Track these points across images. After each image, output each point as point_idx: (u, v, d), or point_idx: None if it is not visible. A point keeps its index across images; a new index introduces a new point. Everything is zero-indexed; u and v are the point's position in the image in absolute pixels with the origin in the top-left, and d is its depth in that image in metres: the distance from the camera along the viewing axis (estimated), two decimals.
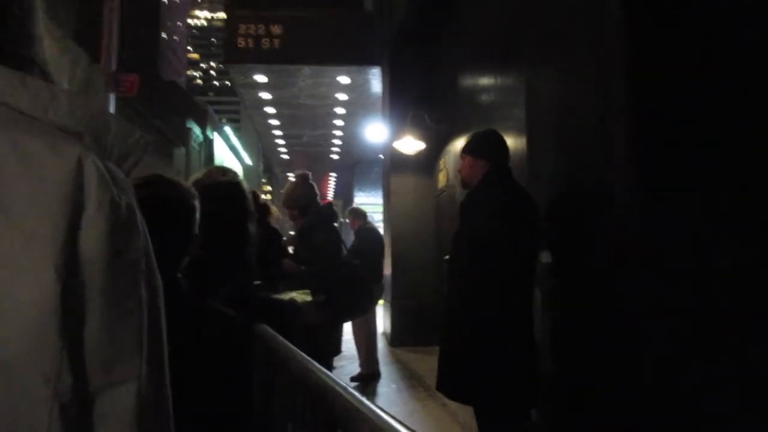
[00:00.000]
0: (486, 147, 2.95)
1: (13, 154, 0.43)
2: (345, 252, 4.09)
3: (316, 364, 0.96)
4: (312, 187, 3.81)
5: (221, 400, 1.36)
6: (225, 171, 2.28)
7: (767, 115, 2.23)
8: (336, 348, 3.92)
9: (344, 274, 3.77)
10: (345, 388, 0.72)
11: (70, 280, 0.42)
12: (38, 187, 0.43)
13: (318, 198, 3.86)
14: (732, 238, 2.16)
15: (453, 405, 4.39)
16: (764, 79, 2.24)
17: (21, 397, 0.39)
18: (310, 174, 3.85)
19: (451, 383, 2.75)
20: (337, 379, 0.78)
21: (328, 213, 3.89)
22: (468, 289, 2.72)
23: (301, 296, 2.32)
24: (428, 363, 6.16)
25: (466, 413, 3.95)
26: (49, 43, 0.58)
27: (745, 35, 2.26)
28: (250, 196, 2.10)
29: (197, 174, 2.18)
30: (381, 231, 7.81)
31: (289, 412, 1.20)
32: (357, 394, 0.68)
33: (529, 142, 3.50)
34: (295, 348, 1.19)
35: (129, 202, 0.48)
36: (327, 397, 0.74)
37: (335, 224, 4.01)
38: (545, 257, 2.91)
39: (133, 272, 0.48)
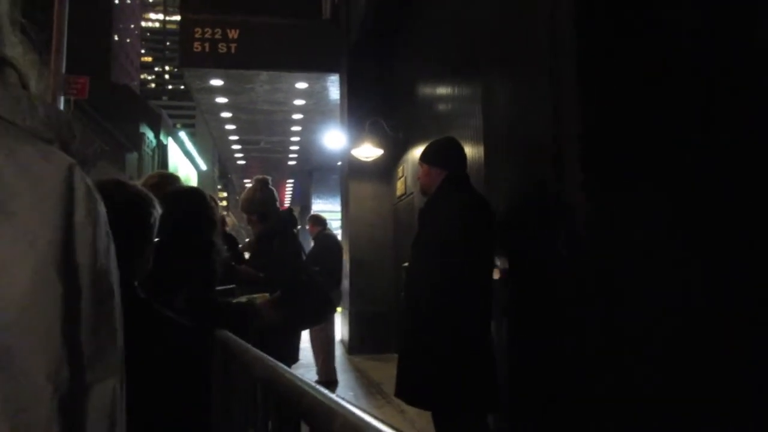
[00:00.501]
0: (443, 155, 2.99)
1: (9, 160, 0.45)
2: (304, 258, 4.07)
3: (280, 365, 0.96)
4: (272, 192, 3.77)
5: (173, 405, 1.34)
6: (167, 177, 2.26)
7: (720, 125, 2.34)
8: (294, 355, 3.89)
9: (304, 281, 3.74)
10: (313, 387, 0.73)
11: (69, 281, 0.45)
12: (37, 192, 0.45)
13: (277, 203, 3.83)
14: (682, 244, 2.26)
15: (411, 412, 4.41)
16: (717, 88, 2.36)
17: (25, 391, 0.41)
18: (270, 179, 3.81)
19: (410, 388, 2.77)
20: (304, 378, 0.79)
21: (289, 219, 3.86)
22: (426, 295, 2.74)
23: (259, 297, 2.31)
24: (386, 371, 6.18)
25: (423, 420, 3.98)
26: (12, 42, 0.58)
27: (696, 45, 2.38)
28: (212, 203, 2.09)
29: (137, 181, 2.17)
30: (339, 238, 7.80)
31: (250, 416, 1.20)
32: (326, 391, 0.69)
33: (486, 150, 3.57)
34: (258, 350, 1.19)
35: (104, 210, 0.51)
36: (295, 396, 0.74)
37: (295, 230, 3.98)
38: (501, 263, 2.96)
39: (111, 276, 0.51)
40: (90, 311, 0.47)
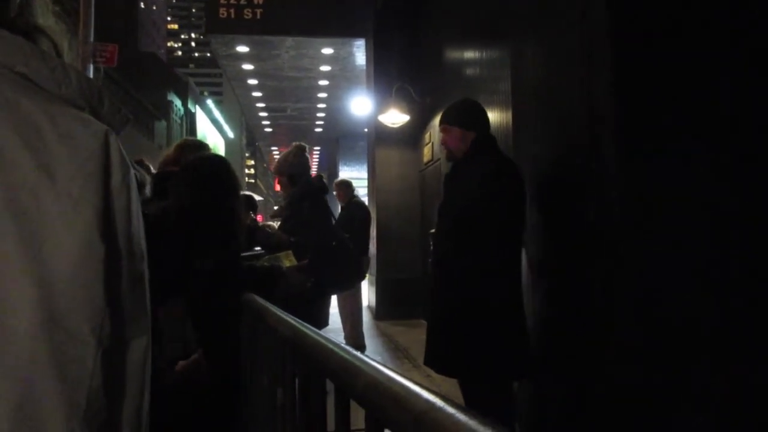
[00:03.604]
0: (469, 115, 2.91)
1: (51, 126, 0.47)
2: (334, 224, 4.12)
3: (307, 325, 0.96)
4: (306, 159, 3.91)
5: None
6: (195, 143, 2.29)
7: (755, 87, 2.25)
8: (324, 319, 3.95)
9: (334, 246, 3.78)
10: (339, 346, 0.73)
11: (109, 244, 0.48)
12: (78, 157, 0.47)
13: (309, 171, 3.91)
14: (714, 209, 2.20)
15: (437, 376, 4.43)
16: (763, 40, 2.26)
17: (72, 344, 0.45)
18: (306, 147, 3.90)
19: (439, 358, 2.75)
20: (329, 337, 0.79)
21: (319, 185, 3.91)
22: (454, 260, 2.72)
23: (286, 259, 2.33)
24: (412, 335, 6.24)
25: (449, 384, 4.01)
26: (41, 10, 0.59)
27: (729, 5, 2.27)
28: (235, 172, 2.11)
29: (167, 150, 2.21)
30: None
31: (278, 376, 1.21)
32: (351, 349, 0.69)
33: (514, 115, 3.51)
34: (284, 312, 1.20)
35: (133, 176, 0.52)
36: (321, 355, 0.74)
37: (325, 197, 4.01)
38: (531, 229, 2.92)
39: (142, 240, 0.53)
40: (127, 273, 0.50)
